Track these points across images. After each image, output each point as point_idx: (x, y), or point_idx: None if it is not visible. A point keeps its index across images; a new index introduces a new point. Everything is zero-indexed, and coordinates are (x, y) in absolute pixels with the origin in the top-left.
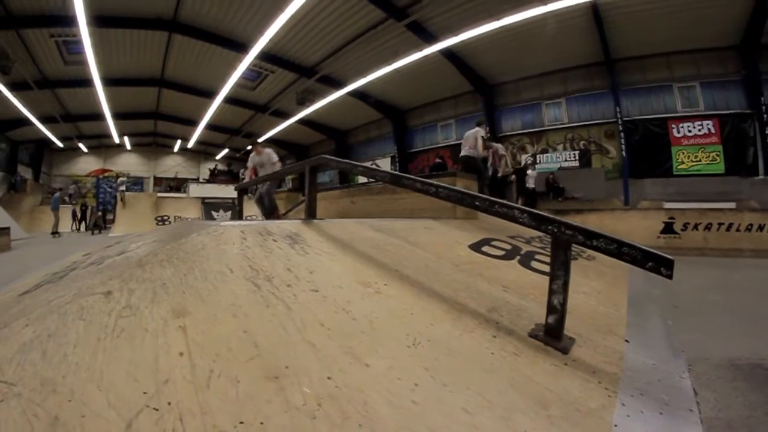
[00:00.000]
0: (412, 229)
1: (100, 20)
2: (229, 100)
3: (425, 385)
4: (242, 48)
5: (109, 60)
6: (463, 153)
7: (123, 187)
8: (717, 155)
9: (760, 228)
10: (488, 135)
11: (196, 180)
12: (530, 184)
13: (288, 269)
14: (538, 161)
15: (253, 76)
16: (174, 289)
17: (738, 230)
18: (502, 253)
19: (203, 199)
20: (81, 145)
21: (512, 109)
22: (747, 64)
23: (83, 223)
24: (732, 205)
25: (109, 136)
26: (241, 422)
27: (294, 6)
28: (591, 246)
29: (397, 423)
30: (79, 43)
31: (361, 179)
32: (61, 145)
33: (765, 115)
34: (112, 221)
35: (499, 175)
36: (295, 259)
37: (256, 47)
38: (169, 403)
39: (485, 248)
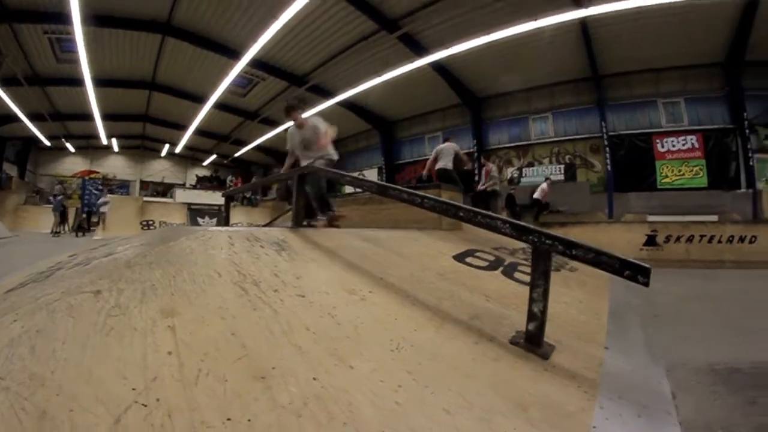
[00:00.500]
0: (397, 240)
1: (94, 19)
2: (219, 105)
3: (408, 387)
4: (234, 54)
5: (101, 60)
6: (439, 166)
7: (104, 209)
8: (700, 169)
9: (741, 239)
10: (475, 150)
11: (183, 185)
12: (537, 194)
13: (275, 275)
14: (524, 174)
15: (244, 82)
16: (163, 291)
17: (720, 242)
18: (485, 263)
19: (189, 205)
20: (68, 145)
21: (499, 122)
22: (730, 80)
23: (63, 224)
24: (714, 217)
25: (97, 137)
26: (229, 419)
27: (288, 14)
28: (570, 255)
29: (381, 423)
30: (72, 41)
31: (348, 189)
32: (48, 143)
33: (747, 130)
34: (97, 224)
35: (484, 187)
36: (282, 265)
37: (248, 54)
38: (158, 400)
39: (469, 259)
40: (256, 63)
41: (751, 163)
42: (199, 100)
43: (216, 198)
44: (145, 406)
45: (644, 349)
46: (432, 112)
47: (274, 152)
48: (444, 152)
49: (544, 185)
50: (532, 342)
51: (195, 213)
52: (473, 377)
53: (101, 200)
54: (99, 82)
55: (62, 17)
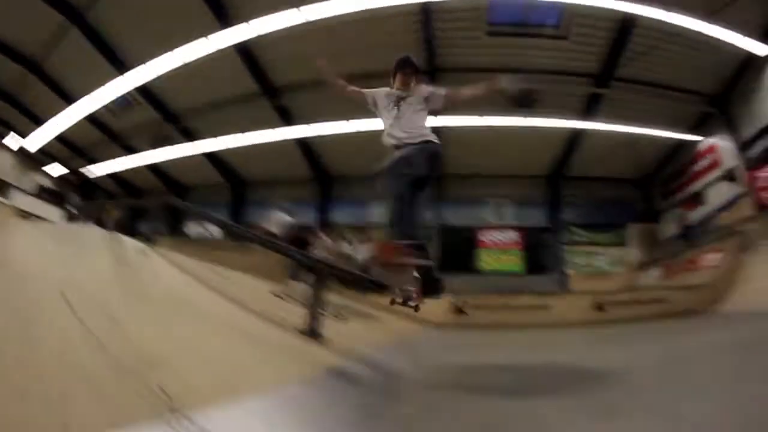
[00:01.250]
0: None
1: None
2: (89, 117)
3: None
4: (122, 67)
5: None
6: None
7: None
8: (519, 259)
9: (538, 307)
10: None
11: (20, 189)
12: None
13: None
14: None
15: (122, 102)
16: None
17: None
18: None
19: (23, 212)
20: None
21: (343, 202)
22: (552, 188)
23: None
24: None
25: None
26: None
27: (186, 51)
28: (334, 275)
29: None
30: None
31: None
32: None
33: (559, 229)
34: None
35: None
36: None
37: (135, 72)
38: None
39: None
40: (139, 86)
41: (561, 254)
42: (71, 100)
43: (51, 215)
44: None
45: None
46: (284, 183)
47: (126, 184)
48: (272, 221)
49: None
50: (313, 333)
51: None
52: (271, 344)
53: None
54: None
55: None
